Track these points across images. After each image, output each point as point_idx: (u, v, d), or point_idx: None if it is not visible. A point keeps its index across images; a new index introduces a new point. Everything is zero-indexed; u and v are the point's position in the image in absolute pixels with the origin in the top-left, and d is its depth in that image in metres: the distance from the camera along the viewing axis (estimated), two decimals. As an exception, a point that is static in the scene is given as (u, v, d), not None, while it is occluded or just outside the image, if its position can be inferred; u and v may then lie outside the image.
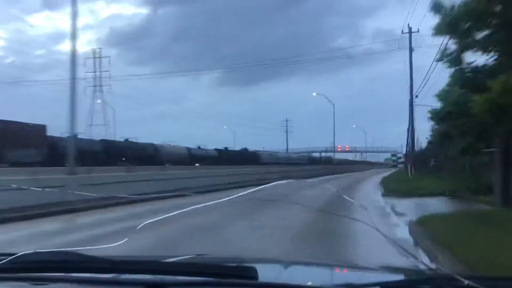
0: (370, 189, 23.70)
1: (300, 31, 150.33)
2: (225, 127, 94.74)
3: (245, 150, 62.89)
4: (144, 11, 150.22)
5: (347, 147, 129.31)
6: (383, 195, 19.71)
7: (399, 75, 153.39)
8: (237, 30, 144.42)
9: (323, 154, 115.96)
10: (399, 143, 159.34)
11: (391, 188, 20.95)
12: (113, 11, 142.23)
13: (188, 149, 45.91)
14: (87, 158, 25.97)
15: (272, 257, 4.47)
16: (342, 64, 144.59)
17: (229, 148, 59.57)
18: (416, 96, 30.65)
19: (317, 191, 15.32)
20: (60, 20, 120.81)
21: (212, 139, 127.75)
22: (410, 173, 29.51)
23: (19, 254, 1.48)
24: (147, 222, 2.37)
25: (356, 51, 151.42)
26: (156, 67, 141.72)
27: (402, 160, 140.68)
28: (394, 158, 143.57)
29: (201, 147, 50.23)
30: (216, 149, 52.72)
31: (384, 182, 26.02)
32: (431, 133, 37.95)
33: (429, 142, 37.06)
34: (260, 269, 1.38)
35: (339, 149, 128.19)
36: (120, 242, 2.00)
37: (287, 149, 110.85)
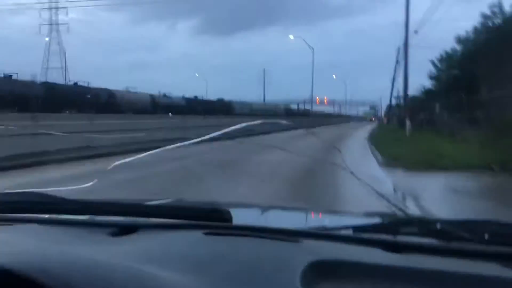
0: (357, 153, 16.05)
1: None
2: (196, 74, 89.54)
3: (219, 100, 58.36)
4: None
5: (325, 100, 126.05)
6: (384, 165, 12.34)
7: (379, 28, 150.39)
8: None
9: (302, 106, 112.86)
10: (378, 96, 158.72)
11: (393, 154, 13.23)
12: None
13: (152, 96, 41.13)
14: (24, 104, 22.21)
15: (249, 202, 4.59)
16: (322, 15, 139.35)
17: (200, 98, 54.91)
18: (416, 32, 26.01)
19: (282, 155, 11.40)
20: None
21: (188, 89, 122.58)
22: (408, 129, 21.38)
23: None
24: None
25: (336, 2, 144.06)
26: (131, 13, 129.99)
27: (379, 114, 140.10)
28: (372, 111, 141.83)
29: (167, 95, 45.32)
30: (184, 98, 48.02)
31: (375, 142, 18.87)
32: (433, 79, 34.60)
33: (427, 92, 33.26)
34: (235, 213, 1.39)
35: (318, 102, 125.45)
36: (90, 183, 1.97)
37: (264, 100, 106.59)
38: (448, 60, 30.26)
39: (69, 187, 1.96)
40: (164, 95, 44.56)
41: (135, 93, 38.82)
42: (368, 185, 3.21)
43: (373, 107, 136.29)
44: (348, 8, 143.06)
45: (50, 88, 28.65)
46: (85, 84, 34.14)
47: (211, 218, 1.34)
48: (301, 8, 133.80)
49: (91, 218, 1.43)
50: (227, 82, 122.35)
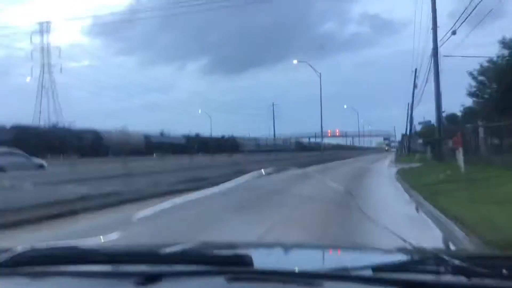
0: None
1: (287, 17, 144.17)
2: (199, 111, 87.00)
3: (221, 137, 54.50)
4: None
5: (337, 132, 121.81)
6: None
7: (385, 58, 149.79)
8: (223, 18, 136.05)
9: (312, 140, 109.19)
10: (390, 126, 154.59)
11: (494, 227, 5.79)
12: (97, 1, 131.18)
13: (146, 136, 37.43)
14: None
15: (269, 242, 4.54)
16: (330, 50, 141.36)
17: (205, 135, 51.16)
18: (454, 33, 19.61)
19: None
20: None
21: (199, 127, 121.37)
22: (461, 163, 12.71)
23: (18, 248, 1.52)
24: None
25: (343, 36, 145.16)
26: (142, 56, 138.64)
27: (394, 144, 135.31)
28: (386, 142, 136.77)
29: (164, 133, 41.53)
30: (184, 136, 44.23)
31: (420, 189, 11.07)
32: (474, 96, 25.18)
33: (466, 112, 27.58)
34: (255, 255, 1.45)
35: (329, 134, 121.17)
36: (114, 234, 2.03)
37: (274, 135, 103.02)
38: (493, 70, 23.20)
39: (95, 237, 2.01)
40: (161, 134, 40.93)
41: (127, 133, 35.14)
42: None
43: (387, 137, 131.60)
44: (355, 41, 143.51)
45: (21, 132, 25.01)
46: (67, 125, 30.71)
47: (233, 263, 1.39)
48: (309, 43, 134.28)
49: (116, 268, 1.47)
50: (237, 119, 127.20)
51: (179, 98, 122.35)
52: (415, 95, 47.22)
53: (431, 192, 9.65)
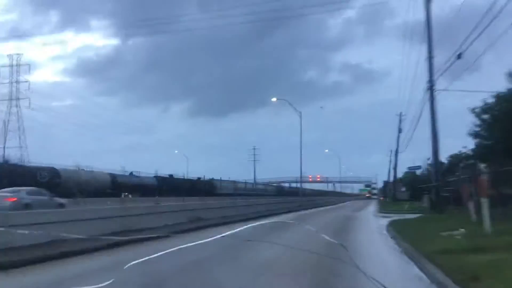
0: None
1: (270, 63, 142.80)
2: (176, 151, 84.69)
3: (197, 179, 51.51)
4: (114, 42, 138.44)
5: (318, 177, 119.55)
6: None
7: (366, 108, 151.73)
8: (207, 62, 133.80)
9: (294, 185, 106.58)
10: (372, 173, 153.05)
11: None
12: (83, 41, 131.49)
13: (112, 175, 34.32)
14: None
15: None
16: (311, 96, 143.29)
17: (180, 176, 48.15)
18: (459, 57, 15.91)
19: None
20: None
21: (180, 169, 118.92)
22: (486, 220, 9.34)
23: None
24: None
25: (325, 84, 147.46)
26: (125, 97, 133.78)
27: (376, 191, 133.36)
28: (369, 189, 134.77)
29: (134, 173, 38.49)
30: (156, 177, 41.20)
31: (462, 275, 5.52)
32: (478, 136, 23.24)
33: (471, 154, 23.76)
34: None
35: (310, 179, 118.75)
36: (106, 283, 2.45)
37: (254, 178, 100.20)
38: (496, 107, 19.96)
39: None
40: (131, 174, 37.86)
41: (90, 171, 32.05)
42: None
43: (369, 184, 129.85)
44: (336, 89, 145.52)
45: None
46: (25, 163, 27.55)
47: None
48: (290, 90, 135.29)
49: None
50: (220, 162, 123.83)
51: (162, 140, 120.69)
52: (399, 142, 45.66)
53: (464, 270, 5.75)
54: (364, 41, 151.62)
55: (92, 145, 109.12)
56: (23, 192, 18.85)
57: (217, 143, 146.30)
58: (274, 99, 42.75)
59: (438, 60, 21.76)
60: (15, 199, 17.91)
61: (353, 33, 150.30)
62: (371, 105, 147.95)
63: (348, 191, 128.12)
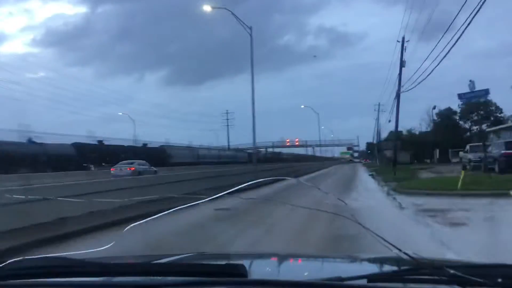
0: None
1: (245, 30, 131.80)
2: (120, 113, 75.83)
3: (143, 145, 41.05)
4: (82, 9, 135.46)
5: (296, 141, 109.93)
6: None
7: (343, 70, 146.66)
8: (180, 29, 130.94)
9: (271, 150, 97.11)
10: (354, 136, 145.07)
11: None
12: (50, 10, 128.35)
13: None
14: None
15: (263, 252, 4.34)
16: (289, 62, 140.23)
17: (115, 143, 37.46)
18: None
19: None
20: None
21: (159, 138, 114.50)
22: None
23: (8, 261, 1.48)
24: None
25: (301, 48, 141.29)
26: (98, 67, 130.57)
27: (357, 154, 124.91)
28: (350, 152, 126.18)
29: (32, 139, 27.61)
30: (74, 144, 30.52)
31: None
32: None
33: None
34: (250, 266, 1.53)
35: (288, 143, 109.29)
36: (108, 246, 1.94)
37: (228, 144, 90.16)
38: None
39: (89, 250, 1.95)
40: (30, 140, 27.02)
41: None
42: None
43: (350, 147, 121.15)
44: (313, 53, 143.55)
45: None
46: None
47: (228, 274, 1.36)
48: (267, 56, 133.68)
49: (109, 280, 1.45)
50: (197, 130, 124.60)
51: (138, 110, 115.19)
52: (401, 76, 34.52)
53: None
54: (340, 2, 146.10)
55: (67, 117, 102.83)
56: (135, 163, 27.35)
57: (195, 111, 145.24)
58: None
59: None
60: (133, 168, 26.23)
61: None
62: (347, 68, 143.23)
63: (328, 155, 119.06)
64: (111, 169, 26.18)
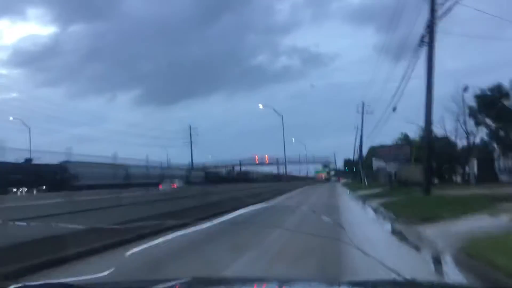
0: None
1: (219, 49, 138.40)
2: (11, 118, 66.55)
3: (25, 162, 30.49)
4: (52, 29, 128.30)
5: (266, 158, 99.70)
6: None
7: (317, 90, 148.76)
8: (153, 49, 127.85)
9: (238, 168, 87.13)
10: (329, 153, 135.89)
11: None
12: (20, 30, 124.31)
13: None
14: None
15: (262, 277, 4.23)
16: (262, 81, 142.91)
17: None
18: None
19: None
20: None
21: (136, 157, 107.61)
22: None
23: (9, 287, 1.33)
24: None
25: (275, 68, 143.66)
26: (68, 88, 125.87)
27: (333, 172, 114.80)
28: (326, 169, 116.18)
29: None
30: None
31: None
32: None
33: None
34: None
35: (257, 161, 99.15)
36: (107, 272, 2.07)
37: (191, 162, 79.88)
38: None
39: (89, 276, 2.02)
40: None
41: None
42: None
43: (327, 165, 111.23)
44: (286, 74, 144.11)
45: None
46: None
47: None
48: (241, 76, 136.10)
49: None
50: (172, 149, 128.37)
51: (112, 130, 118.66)
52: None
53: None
54: (313, 24, 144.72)
55: (38, 140, 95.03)
56: (176, 181, 40.93)
57: (171, 130, 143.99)
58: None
59: None
60: (175, 185, 38.86)
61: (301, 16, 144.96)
62: (321, 88, 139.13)
63: (303, 174, 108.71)
64: None
